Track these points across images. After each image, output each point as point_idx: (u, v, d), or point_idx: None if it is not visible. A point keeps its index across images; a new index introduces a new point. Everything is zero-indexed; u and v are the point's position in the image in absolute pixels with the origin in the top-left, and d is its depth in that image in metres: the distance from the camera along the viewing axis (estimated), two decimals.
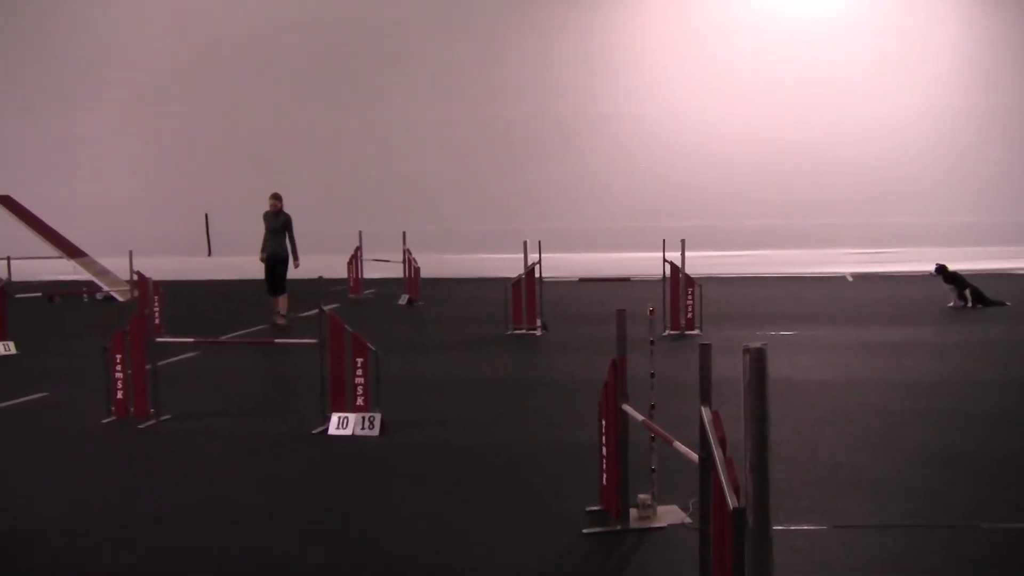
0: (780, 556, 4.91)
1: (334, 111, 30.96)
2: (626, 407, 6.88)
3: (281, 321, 18.35)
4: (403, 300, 22.10)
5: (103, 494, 8.57)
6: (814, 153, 28.62)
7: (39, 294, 24.15)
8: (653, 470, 7.16)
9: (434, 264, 24.31)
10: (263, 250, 18.50)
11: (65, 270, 25.82)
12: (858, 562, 6.51)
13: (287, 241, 18.49)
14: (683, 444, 5.78)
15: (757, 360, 4.52)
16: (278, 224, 18.45)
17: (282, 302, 18.44)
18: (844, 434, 9.80)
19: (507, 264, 20.49)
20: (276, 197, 18.64)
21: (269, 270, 18.52)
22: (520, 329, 16.89)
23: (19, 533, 7.53)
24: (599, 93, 29.49)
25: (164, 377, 11.27)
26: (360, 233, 24.54)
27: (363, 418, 10.13)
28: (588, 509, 7.33)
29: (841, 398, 11.47)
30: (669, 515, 7.20)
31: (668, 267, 16.60)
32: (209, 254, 23.86)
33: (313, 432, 10.17)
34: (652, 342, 7.26)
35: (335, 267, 24.45)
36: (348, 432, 10.07)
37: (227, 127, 31.54)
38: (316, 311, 10.71)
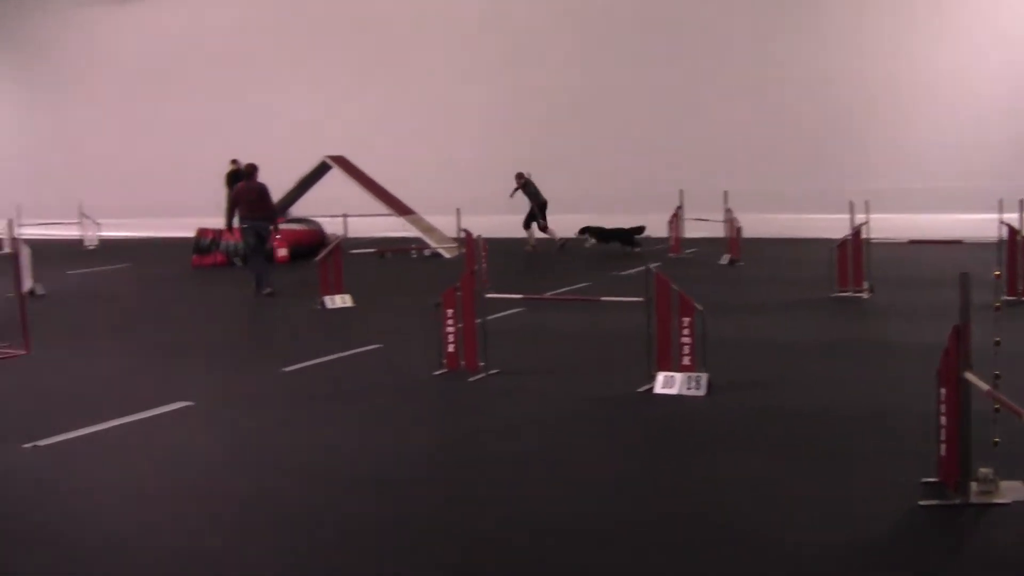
0: None
1: (654, 69, 30.89)
2: (969, 375, 6.60)
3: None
4: (724, 260, 21.87)
5: (441, 443, 8.96)
6: None
7: (372, 250, 25.18)
8: (996, 443, 6.86)
9: (756, 224, 23.94)
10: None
11: (395, 227, 26.88)
12: None
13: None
14: None
15: None
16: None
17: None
18: None
19: (831, 225, 19.96)
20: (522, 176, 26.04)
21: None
22: (846, 291, 16.47)
23: (361, 477, 7.91)
24: (927, 49, 28.28)
25: (492, 332, 11.59)
26: (681, 192, 24.45)
27: (689, 378, 10.13)
28: (923, 480, 7.09)
29: None
30: (1013, 491, 6.85)
31: (1004, 229, 15.83)
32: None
33: (638, 391, 10.24)
34: (998, 308, 6.94)
35: (657, 226, 24.55)
36: (674, 391, 10.08)
37: (545, 88, 32.01)
38: (641, 269, 10.73)
